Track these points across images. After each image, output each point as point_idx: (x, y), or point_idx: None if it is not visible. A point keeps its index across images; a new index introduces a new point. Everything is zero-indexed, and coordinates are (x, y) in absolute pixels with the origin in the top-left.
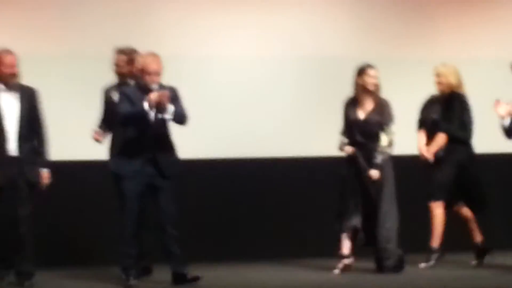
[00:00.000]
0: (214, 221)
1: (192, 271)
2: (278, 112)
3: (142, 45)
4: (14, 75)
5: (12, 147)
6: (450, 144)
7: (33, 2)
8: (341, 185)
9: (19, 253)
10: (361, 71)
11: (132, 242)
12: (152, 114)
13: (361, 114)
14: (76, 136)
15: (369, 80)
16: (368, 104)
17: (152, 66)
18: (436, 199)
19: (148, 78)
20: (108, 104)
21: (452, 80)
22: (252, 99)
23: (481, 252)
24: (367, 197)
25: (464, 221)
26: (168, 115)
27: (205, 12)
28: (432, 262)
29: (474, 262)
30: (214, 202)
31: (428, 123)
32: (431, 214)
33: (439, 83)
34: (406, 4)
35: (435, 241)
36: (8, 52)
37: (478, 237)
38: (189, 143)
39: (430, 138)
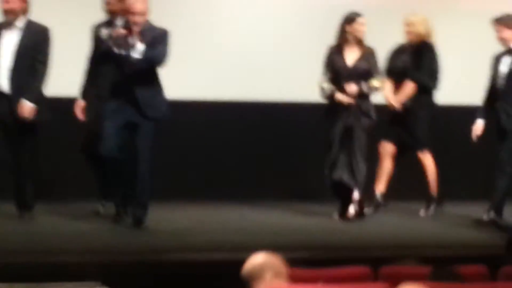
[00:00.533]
0: (215, 162)
1: (192, 210)
2: (281, 55)
3: None
4: (11, 11)
5: (3, 83)
6: (419, 93)
7: None
8: (328, 134)
9: (19, 186)
10: (351, 19)
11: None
12: (115, 51)
13: (349, 61)
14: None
15: (360, 27)
16: (355, 51)
17: (136, 5)
18: (421, 149)
19: (132, 18)
20: (97, 42)
21: (421, 29)
22: (258, 40)
23: (432, 202)
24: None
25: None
26: (135, 54)
27: None
28: (431, 210)
29: (422, 211)
30: (213, 143)
31: (396, 72)
32: (422, 164)
33: (408, 32)
34: None
35: (432, 189)
36: None
37: (432, 189)
38: (192, 83)
39: (397, 87)
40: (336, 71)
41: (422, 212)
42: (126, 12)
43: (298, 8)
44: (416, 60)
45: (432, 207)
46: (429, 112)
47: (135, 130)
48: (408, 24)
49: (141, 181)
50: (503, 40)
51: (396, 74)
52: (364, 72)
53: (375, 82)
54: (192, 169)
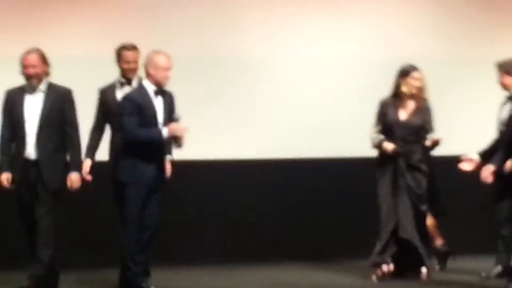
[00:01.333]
0: (263, 220)
1: (232, 267)
2: (348, 113)
3: (222, 47)
4: (36, 76)
5: (31, 150)
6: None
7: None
8: (379, 191)
9: (35, 256)
10: (405, 73)
11: (138, 249)
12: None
13: (402, 115)
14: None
15: (414, 82)
16: (409, 105)
17: (166, 62)
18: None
19: (162, 73)
20: (106, 105)
21: None
22: (325, 99)
23: (442, 256)
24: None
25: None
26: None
27: (283, 16)
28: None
29: (437, 266)
30: (266, 199)
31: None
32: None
33: None
34: (479, 4)
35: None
36: (31, 51)
37: (438, 241)
38: (263, 142)
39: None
40: (388, 125)
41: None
42: (154, 69)
43: (359, 62)
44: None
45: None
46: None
47: (152, 194)
48: None
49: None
50: (503, 86)
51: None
52: (416, 126)
53: (435, 136)
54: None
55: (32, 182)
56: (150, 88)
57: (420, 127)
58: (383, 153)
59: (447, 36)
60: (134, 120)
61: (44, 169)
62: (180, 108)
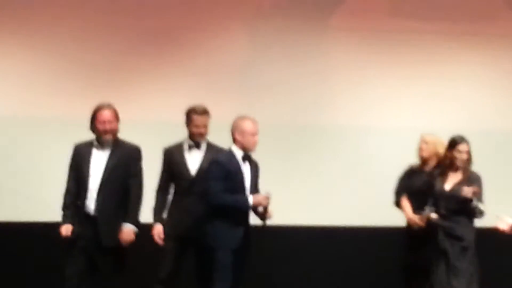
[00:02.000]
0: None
1: None
2: None
3: (301, 116)
4: (111, 131)
5: (91, 204)
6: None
7: None
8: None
9: None
10: (452, 144)
11: None
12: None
13: (447, 186)
14: None
15: (459, 154)
16: (456, 177)
17: (253, 127)
18: None
19: (248, 139)
20: (173, 165)
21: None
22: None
23: None
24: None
25: None
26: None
27: (366, 83)
28: None
29: None
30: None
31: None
32: None
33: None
34: None
35: None
36: (105, 107)
37: None
38: (347, 209)
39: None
40: (435, 194)
41: None
42: (241, 134)
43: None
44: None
45: None
46: None
47: None
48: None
49: None
50: None
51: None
52: (461, 198)
53: (482, 206)
54: None
55: (89, 237)
56: (239, 153)
57: (465, 199)
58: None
59: None
60: (220, 185)
61: (100, 225)
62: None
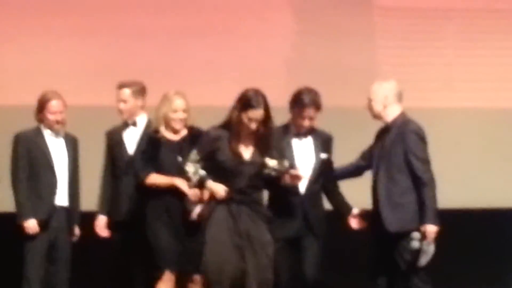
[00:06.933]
0: None
1: None
2: None
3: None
4: (59, 122)
5: (63, 196)
6: None
7: None
8: None
9: None
10: None
11: None
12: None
13: None
14: None
15: None
16: None
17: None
18: None
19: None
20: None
21: None
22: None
23: None
24: None
25: None
26: None
27: (439, 64)
28: None
29: None
30: None
31: None
32: None
33: None
34: None
35: None
36: (56, 97)
37: None
38: None
39: None
40: None
41: None
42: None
43: None
44: None
45: None
46: None
47: None
48: None
49: None
50: None
51: None
52: None
53: None
54: None
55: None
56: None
57: None
58: None
59: None
60: None
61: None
62: None
